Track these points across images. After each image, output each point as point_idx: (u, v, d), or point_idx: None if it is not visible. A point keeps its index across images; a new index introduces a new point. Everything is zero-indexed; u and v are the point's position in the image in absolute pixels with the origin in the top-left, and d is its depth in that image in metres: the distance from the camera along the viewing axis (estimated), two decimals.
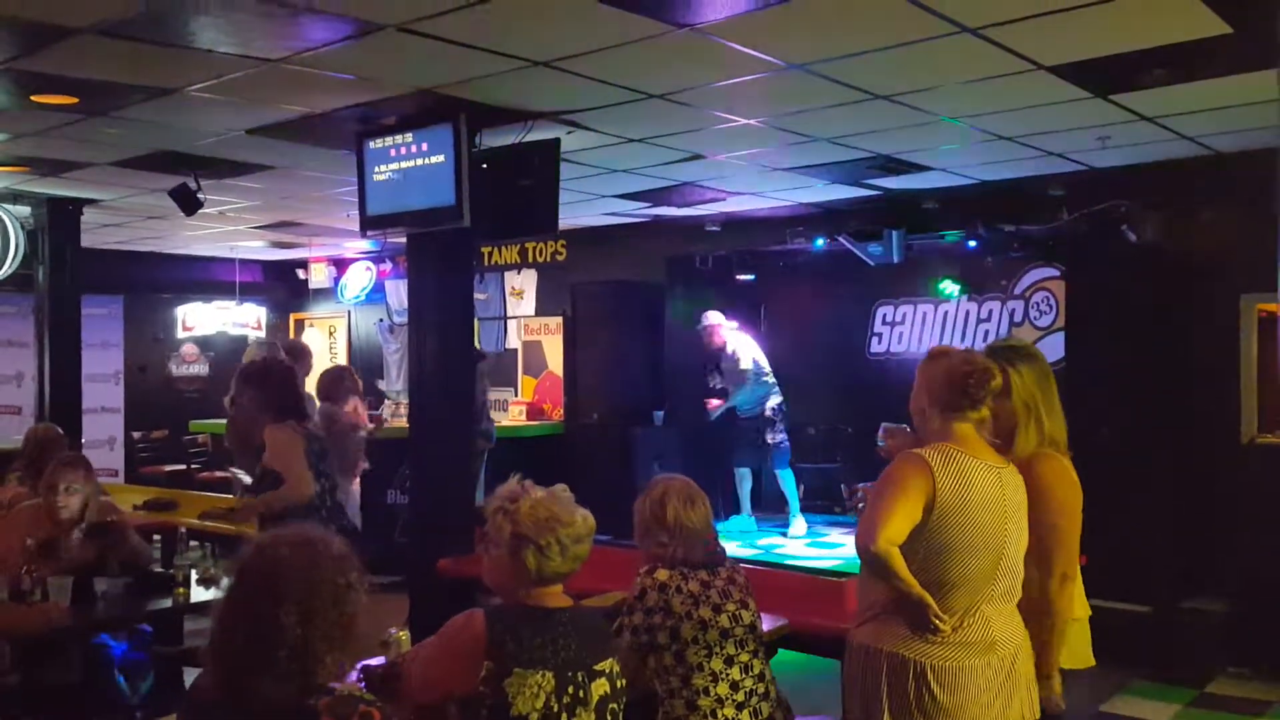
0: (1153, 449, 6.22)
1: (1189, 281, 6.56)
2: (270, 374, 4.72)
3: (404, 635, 2.89)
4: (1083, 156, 6.44)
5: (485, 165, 5.19)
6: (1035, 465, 2.84)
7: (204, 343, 12.10)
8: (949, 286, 8.21)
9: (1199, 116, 5.46)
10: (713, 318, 8.36)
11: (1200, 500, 6.29)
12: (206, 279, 11.93)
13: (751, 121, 5.47)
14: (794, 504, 8.20)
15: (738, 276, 9.04)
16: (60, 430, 5.44)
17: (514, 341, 10.49)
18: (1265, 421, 6.35)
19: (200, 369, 12.06)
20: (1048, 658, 2.80)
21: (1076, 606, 3.00)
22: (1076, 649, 3.02)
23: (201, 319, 12.08)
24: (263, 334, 11.93)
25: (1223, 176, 6.38)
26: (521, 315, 10.42)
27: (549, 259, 10.19)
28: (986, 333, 8.18)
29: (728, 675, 2.88)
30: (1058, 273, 7.53)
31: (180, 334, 12.02)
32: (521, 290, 10.45)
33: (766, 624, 3.23)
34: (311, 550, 1.91)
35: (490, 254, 10.46)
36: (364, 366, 11.40)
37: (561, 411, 9.52)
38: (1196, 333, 6.54)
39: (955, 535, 2.58)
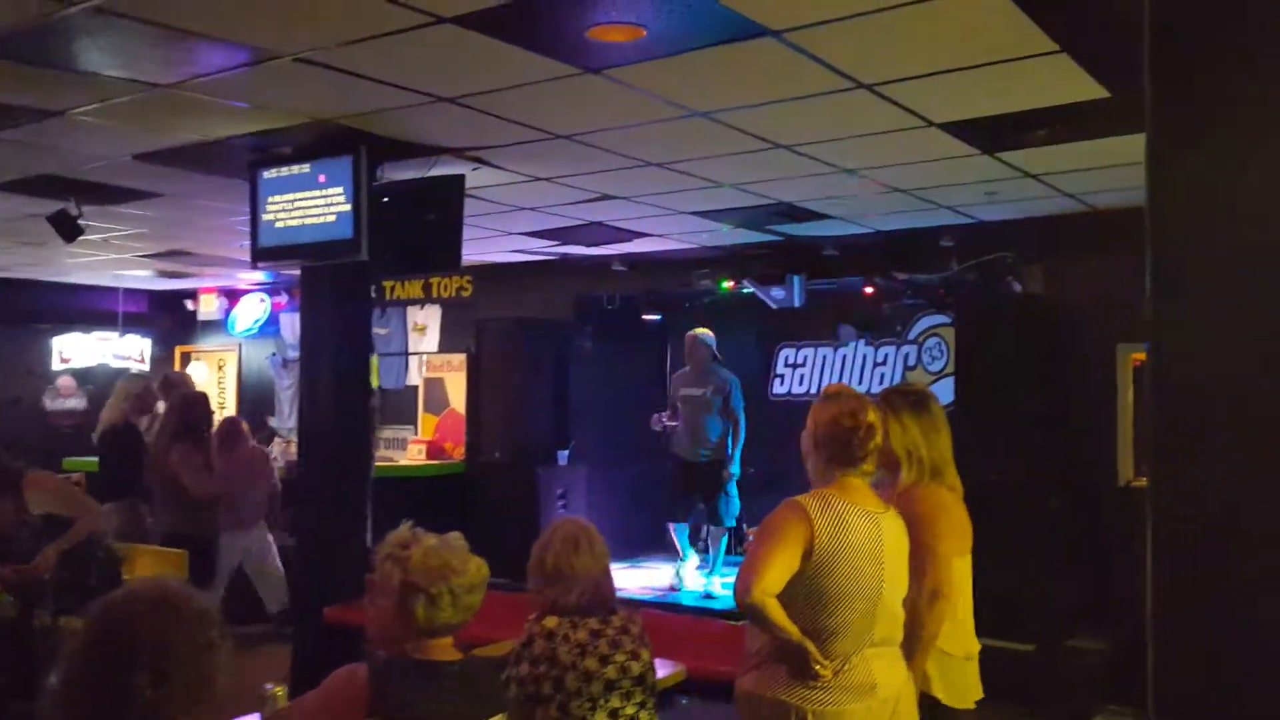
0: (1036, 491, 6.42)
1: (1069, 331, 6.84)
2: None
3: (280, 691, 2.76)
4: (971, 210, 6.68)
5: (386, 199, 5.10)
6: (912, 493, 3.01)
7: (82, 375, 11.53)
8: (847, 332, 8.41)
9: (1078, 175, 5.72)
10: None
11: (1081, 541, 6.51)
12: (87, 308, 11.39)
13: (657, 165, 5.52)
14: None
15: (644, 317, 9.08)
16: None
17: (415, 378, 10.30)
18: (1140, 466, 6.63)
19: (78, 403, 11.46)
20: (914, 671, 2.88)
21: (967, 644, 3.07)
22: (968, 685, 3.08)
23: (80, 350, 11.51)
24: (146, 367, 11.45)
25: (1101, 231, 6.69)
26: (424, 351, 10.25)
27: (454, 295, 10.07)
28: (882, 376, 8.38)
29: None
30: (948, 320, 7.77)
31: (57, 366, 11.44)
32: (424, 326, 10.29)
33: (662, 670, 3.20)
34: (168, 606, 1.76)
35: (393, 288, 10.28)
36: (254, 401, 11.06)
37: (463, 450, 9.36)
38: (1077, 380, 6.81)
39: (833, 582, 2.62)
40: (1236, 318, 2.25)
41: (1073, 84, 4.07)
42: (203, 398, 6.78)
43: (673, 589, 7.55)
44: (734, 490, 7.54)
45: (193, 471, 6.20)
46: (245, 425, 7.15)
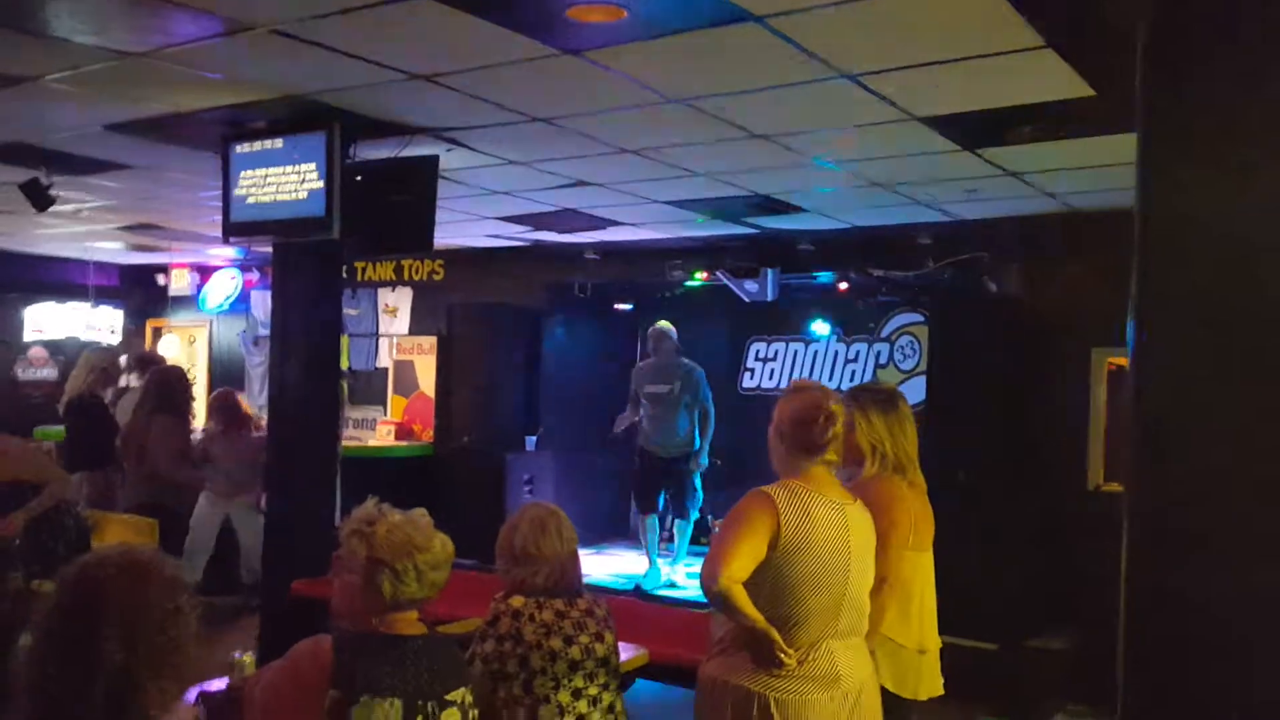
0: (1005, 491, 6.46)
1: (1044, 333, 6.88)
2: None
3: (249, 658, 2.79)
4: (950, 207, 6.69)
5: (359, 178, 5.05)
6: (870, 484, 3.08)
7: (54, 346, 11.39)
8: (820, 327, 8.41)
9: (1061, 174, 5.74)
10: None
11: (1049, 543, 6.56)
12: (59, 280, 11.26)
13: (634, 152, 5.48)
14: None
15: (616, 306, 9.05)
16: None
17: (385, 360, 10.24)
18: (1110, 470, 6.67)
19: (49, 373, 11.34)
20: None
21: (921, 638, 3.11)
22: (920, 678, 3.11)
23: (52, 321, 11.39)
24: (117, 339, 11.33)
25: (1080, 234, 6.73)
26: (395, 333, 10.18)
27: (426, 278, 10.01)
28: (854, 373, 8.39)
29: (574, 709, 2.82)
30: (922, 318, 7.79)
31: (29, 336, 11.30)
32: (395, 308, 10.23)
33: (626, 654, 3.19)
34: (138, 571, 1.79)
35: (364, 269, 10.21)
36: (224, 378, 10.95)
37: (432, 433, 9.33)
38: (1050, 382, 6.85)
39: (799, 571, 2.64)
40: (1220, 325, 2.25)
41: (1059, 82, 4.07)
42: (181, 373, 6.80)
43: (638, 589, 7.48)
44: (699, 482, 7.52)
45: (167, 453, 6.19)
46: (247, 407, 7.12)
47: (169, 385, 6.47)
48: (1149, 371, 2.35)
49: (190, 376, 11.25)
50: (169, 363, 8.02)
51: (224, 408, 6.88)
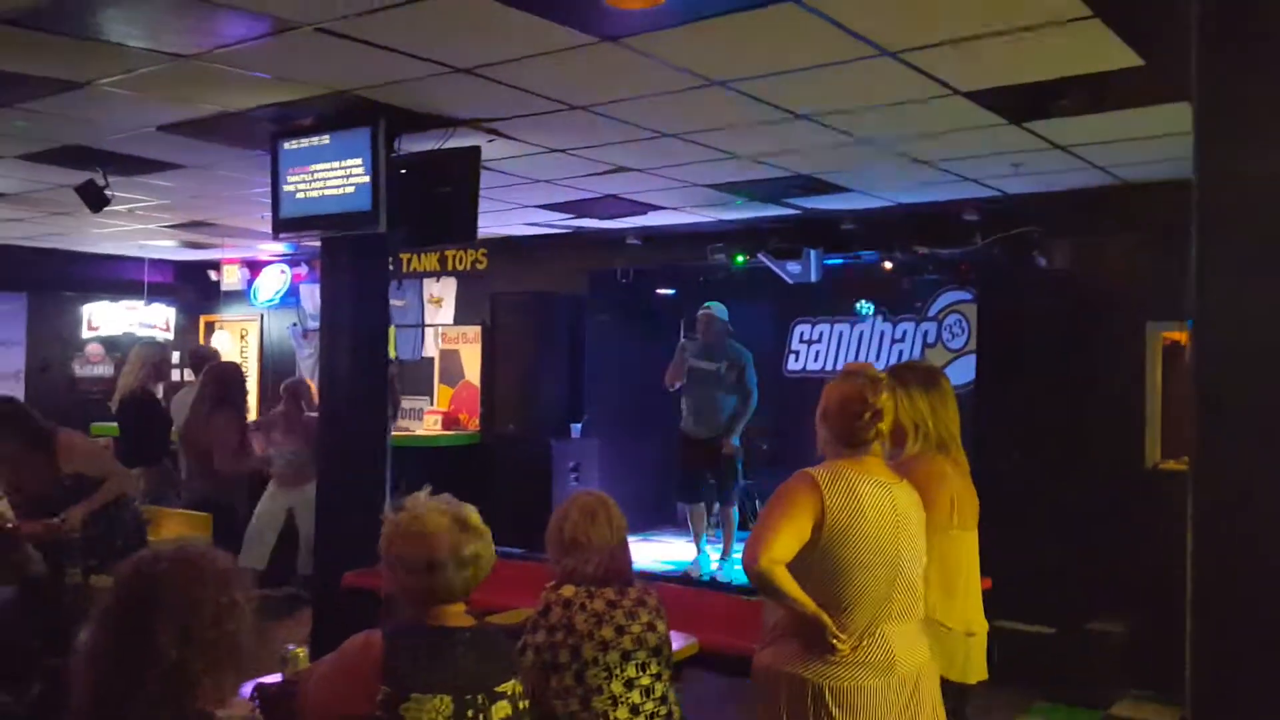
0: (1060, 472, 6.36)
1: (1097, 308, 6.74)
2: None
3: (302, 652, 2.81)
4: (996, 183, 6.58)
5: (404, 171, 5.09)
6: (912, 462, 3.05)
7: (110, 343, 11.66)
8: (865, 307, 8.33)
9: (1109, 147, 5.61)
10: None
11: (1105, 523, 6.44)
12: (114, 278, 11.52)
13: (673, 137, 5.46)
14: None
15: (658, 291, 9.04)
16: None
17: (431, 350, 10.32)
18: (1168, 448, 6.54)
19: (105, 369, 11.61)
20: None
21: (968, 620, 3.07)
22: (970, 661, 3.07)
23: (108, 318, 11.65)
24: (170, 335, 11.57)
25: (1131, 206, 6.58)
26: (440, 324, 10.26)
27: (469, 267, 10.07)
28: (900, 353, 8.31)
29: (628, 699, 2.82)
30: (970, 296, 7.68)
31: (85, 333, 11.58)
32: (440, 298, 10.31)
33: (677, 643, 3.19)
34: (193, 567, 1.82)
35: (409, 261, 10.30)
36: (275, 371, 11.13)
37: (477, 422, 9.40)
38: (1103, 359, 6.72)
39: (848, 553, 2.60)
40: None
41: (1106, 51, 3.97)
42: (236, 368, 6.94)
43: (687, 575, 7.47)
44: (740, 466, 7.46)
45: (228, 449, 6.30)
46: (313, 388, 7.20)
47: (226, 381, 6.59)
48: (1211, 344, 2.29)
49: (244, 370, 11.52)
50: (223, 358, 8.17)
51: (293, 394, 6.96)
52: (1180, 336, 6.44)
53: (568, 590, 2.85)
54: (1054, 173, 6.23)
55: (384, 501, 5.33)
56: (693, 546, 7.66)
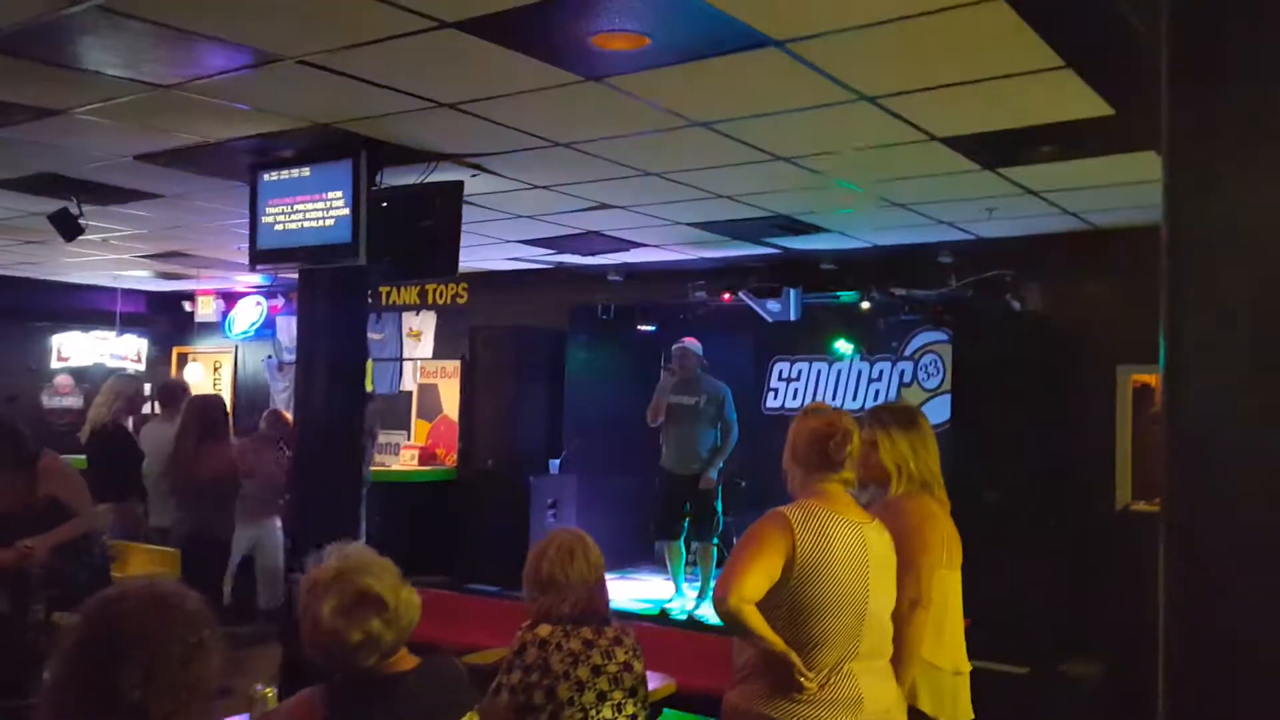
0: (1033, 512, 6.39)
1: (1069, 350, 6.83)
2: None
3: (270, 692, 2.76)
4: (971, 226, 6.68)
5: (385, 204, 5.09)
6: (899, 504, 3.04)
7: (80, 374, 11.51)
8: (843, 346, 8.38)
9: (1081, 193, 5.72)
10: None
11: (1078, 564, 6.48)
12: (85, 307, 11.39)
13: (656, 175, 5.51)
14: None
15: (639, 327, 9.06)
16: None
17: (409, 384, 10.28)
18: (1139, 489, 6.60)
19: (74, 401, 11.44)
20: (901, 684, 2.86)
21: (955, 659, 3.07)
22: (958, 701, 3.07)
23: (78, 349, 11.51)
24: (142, 367, 11.44)
25: (1102, 251, 6.69)
26: (419, 357, 10.23)
27: (449, 301, 10.06)
28: (877, 392, 8.35)
29: None
30: (946, 337, 7.75)
31: (55, 364, 11.42)
32: (419, 332, 10.28)
33: (653, 683, 3.17)
34: (160, 605, 1.76)
35: (389, 294, 10.27)
36: (249, 404, 11.04)
37: (455, 457, 9.34)
38: (1075, 401, 6.79)
39: (817, 592, 2.61)
40: (1254, 337, 2.23)
41: (1078, 101, 4.07)
42: (219, 400, 6.91)
43: (664, 615, 7.39)
44: (719, 505, 7.43)
45: (224, 477, 6.23)
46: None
47: (211, 413, 6.51)
48: (1182, 386, 2.32)
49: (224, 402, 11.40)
50: (194, 390, 8.08)
51: (271, 426, 6.91)
52: (1151, 379, 6.52)
53: (543, 629, 2.82)
54: (1027, 217, 6.33)
55: (359, 539, 5.27)
56: (670, 584, 7.62)
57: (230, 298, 11.39)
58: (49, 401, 11.33)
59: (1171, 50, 2.38)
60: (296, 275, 5.80)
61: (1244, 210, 2.28)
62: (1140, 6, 2.55)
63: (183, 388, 7.77)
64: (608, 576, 3.06)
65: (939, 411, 7.31)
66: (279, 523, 6.61)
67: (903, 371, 8.29)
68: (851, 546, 2.67)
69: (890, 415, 3.19)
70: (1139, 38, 2.94)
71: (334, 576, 2.21)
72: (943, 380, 7.90)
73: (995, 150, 4.86)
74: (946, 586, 3.10)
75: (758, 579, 2.58)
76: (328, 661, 2.20)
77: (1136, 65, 2.92)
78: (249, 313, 11.22)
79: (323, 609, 2.17)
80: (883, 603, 2.73)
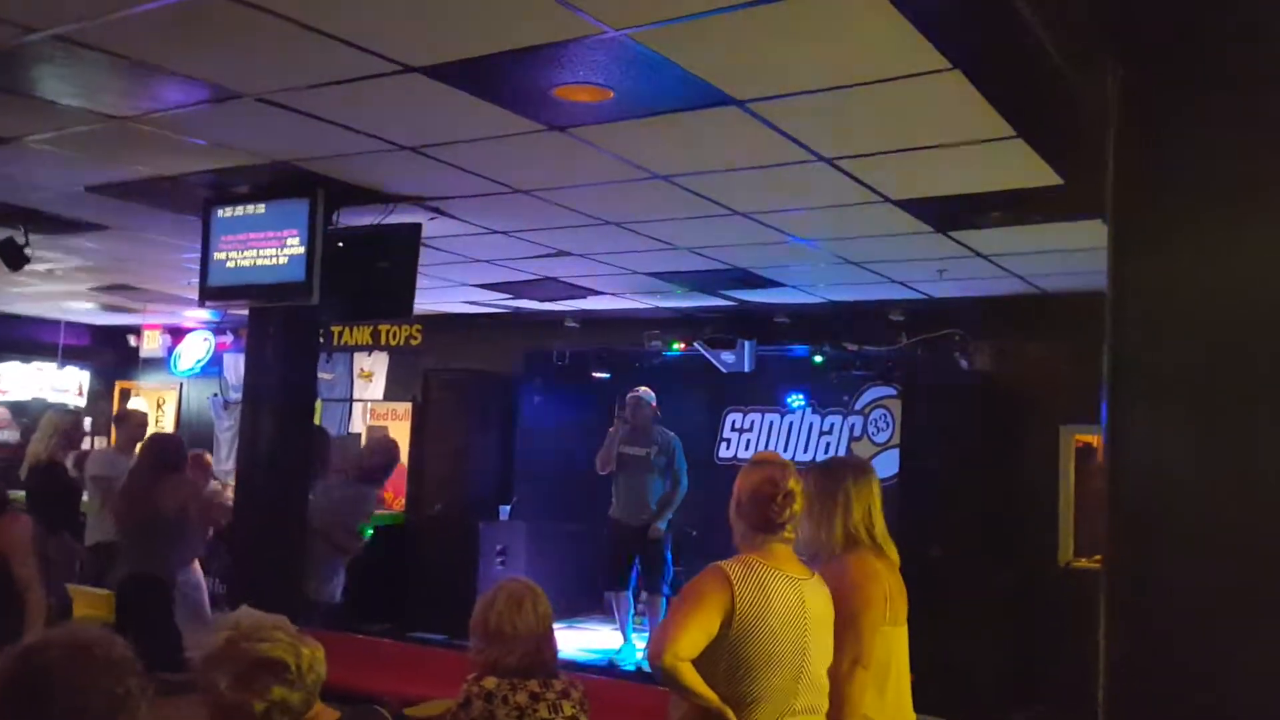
0: (977, 567, 6.45)
1: (1014, 409, 6.96)
2: None
3: None
4: (923, 285, 6.80)
5: (341, 244, 5.06)
6: (843, 560, 3.01)
7: (18, 408, 11.19)
8: (795, 399, 8.46)
9: (1030, 257, 5.86)
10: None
11: (1021, 619, 6.54)
12: (26, 338, 11.12)
13: (615, 224, 5.55)
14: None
15: (594, 374, 9.05)
16: None
17: (358, 425, 10.15)
18: (1080, 546, 6.69)
19: (11, 435, 11.11)
20: None
21: (897, 716, 3.06)
22: None
23: (17, 381, 11.20)
24: (83, 401, 11.17)
25: (1048, 314, 6.85)
26: (369, 399, 10.11)
27: (402, 343, 9.98)
28: (828, 445, 8.41)
29: None
30: (895, 392, 7.85)
31: None
32: (371, 373, 10.17)
33: None
34: (84, 654, 1.69)
35: (340, 334, 10.17)
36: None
37: (403, 501, 9.21)
38: (1020, 458, 6.91)
39: (754, 648, 2.61)
40: (1192, 400, 2.29)
41: (1028, 169, 4.19)
42: (178, 438, 6.71)
43: (612, 664, 7.31)
44: (669, 555, 7.42)
45: (188, 509, 6.00)
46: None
47: (168, 449, 6.28)
48: (1123, 448, 2.38)
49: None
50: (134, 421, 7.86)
51: (194, 468, 6.75)
52: (1093, 439, 6.65)
53: (489, 682, 2.76)
54: (977, 279, 6.47)
55: (303, 581, 5.16)
56: (619, 635, 7.54)
57: (177, 333, 11.19)
58: None
59: (1120, 117, 2.48)
60: (246, 312, 5.73)
61: (1185, 274, 2.36)
62: (1090, 78, 2.64)
63: (140, 420, 7.53)
64: (556, 626, 3.02)
65: (888, 465, 7.37)
66: (196, 566, 6.44)
67: (853, 425, 8.36)
68: (790, 603, 2.67)
69: (843, 468, 3.19)
70: (1088, 110, 3.04)
71: (224, 647, 2.11)
72: (892, 435, 7.98)
73: (947, 214, 4.97)
74: (891, 642, 3.10)
75: (694, 636, 2.57)
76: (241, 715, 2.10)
77: (1085, 138, 3.02)
78: (195, 349, 11.02)
79: (219, 684, 2.08)
80: (820, 660, 2.73)
